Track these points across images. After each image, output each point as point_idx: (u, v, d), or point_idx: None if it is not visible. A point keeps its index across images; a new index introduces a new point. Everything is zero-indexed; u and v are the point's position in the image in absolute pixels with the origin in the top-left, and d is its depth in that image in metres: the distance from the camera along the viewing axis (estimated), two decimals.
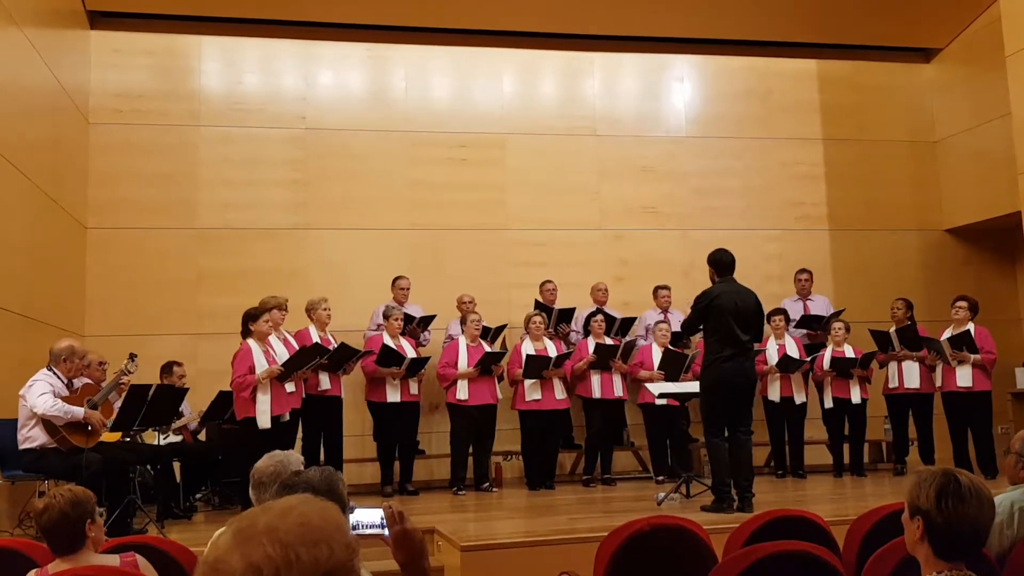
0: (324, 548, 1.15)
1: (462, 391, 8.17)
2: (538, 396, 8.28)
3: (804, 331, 9.39)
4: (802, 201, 10.72)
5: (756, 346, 8.91)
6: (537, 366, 8.21)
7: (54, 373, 6.19)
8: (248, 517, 1.19)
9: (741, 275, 9.43)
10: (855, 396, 8.74)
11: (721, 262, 6.71)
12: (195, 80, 9.62)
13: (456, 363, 8.24)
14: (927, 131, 11.13)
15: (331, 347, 7.78)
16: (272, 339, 7.33)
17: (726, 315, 6.43)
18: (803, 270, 9.74)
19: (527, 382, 8.26)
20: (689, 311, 6.94)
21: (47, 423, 5.97)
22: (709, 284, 6.82)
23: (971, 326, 8.40)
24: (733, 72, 10.84)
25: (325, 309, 8.06)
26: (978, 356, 8.26)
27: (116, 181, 9.22)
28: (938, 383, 8.53)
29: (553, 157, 10.21)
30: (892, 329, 8.88)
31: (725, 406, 6.50)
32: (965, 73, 10.84)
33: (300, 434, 7.70)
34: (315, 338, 7.76)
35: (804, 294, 9.68)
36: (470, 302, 8.95)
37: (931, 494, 2.24)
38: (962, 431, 8.45)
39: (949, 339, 8.39)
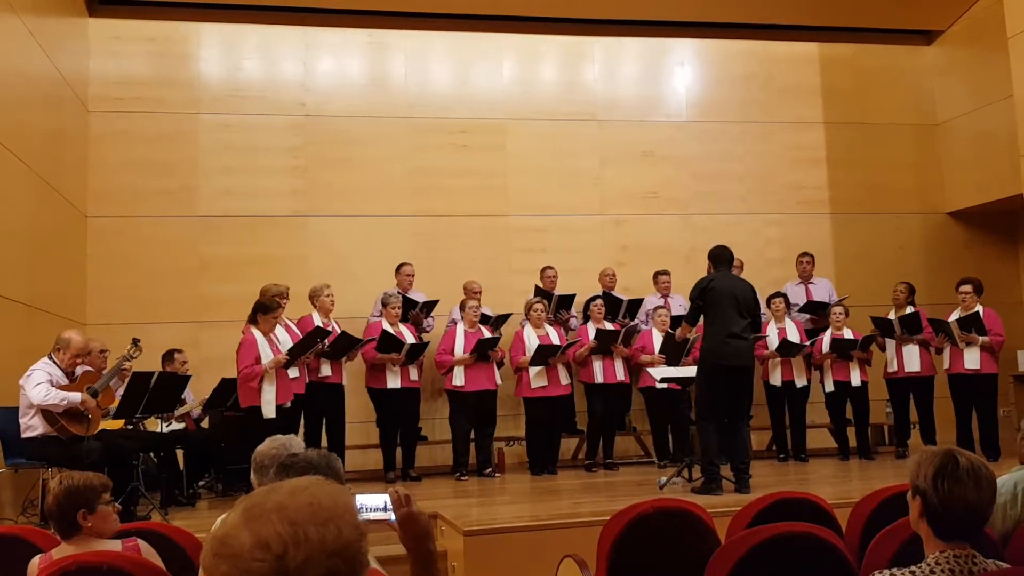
0: (333, 528, 1.15)
1: (458, 377, 8.16)
2: (544, 383, 8.28)
3: (808, 316, 9.40)
4: (803, 185, 10.70)
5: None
6: (545, 354, 8.21)
7: (54, 362, 6.19)
8: (257, 496, 1.19)
9: (743, 259, 9.52)
10: (855, 379, 8.74)
11: (720, 257, 6.98)
12: (194, 67, 9.59)
13: (452, 349, 8.24)
14: (929, 114, 11.10)
15: (333, 331, 7.79)
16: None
17: (723, 299, 6.64)
18: (804, 253, 9.74)
19: (532, 370, 8.25)
20: (688, 303, 7.17)
21: (46, 412, 5.98)
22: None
23: (980, 308, 8.41)
24: (734, 56, 10.80)
25: (328, 295, 8.07)
26: (987, 338, 8.26)
27: (116, 169, 9.20)
28: (946, 365, 8.54)
29: (554, 142, 10.19)
30: (895, 316, 8.86)
31: (723, 390, 6.66)
32: (967, 55, 10.80)
33: (303, 420, 7.73)
34: (318, 324, 7.76)
35: (806, 278, 9.68)
36: (477, 292, 8.90)
37: (929, 474, 2.24)
38: (967, 413, 8.46)
39: (958, 320, 8.38)
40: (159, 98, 9.41)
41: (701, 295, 6.74)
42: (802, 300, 9.52)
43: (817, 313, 9.35)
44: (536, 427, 8.40)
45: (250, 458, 3.09)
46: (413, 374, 8.18)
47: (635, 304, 9.17)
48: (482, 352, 8.20)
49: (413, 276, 8.94)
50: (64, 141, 8.59)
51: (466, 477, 8.11)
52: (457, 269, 9.33)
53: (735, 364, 6.59)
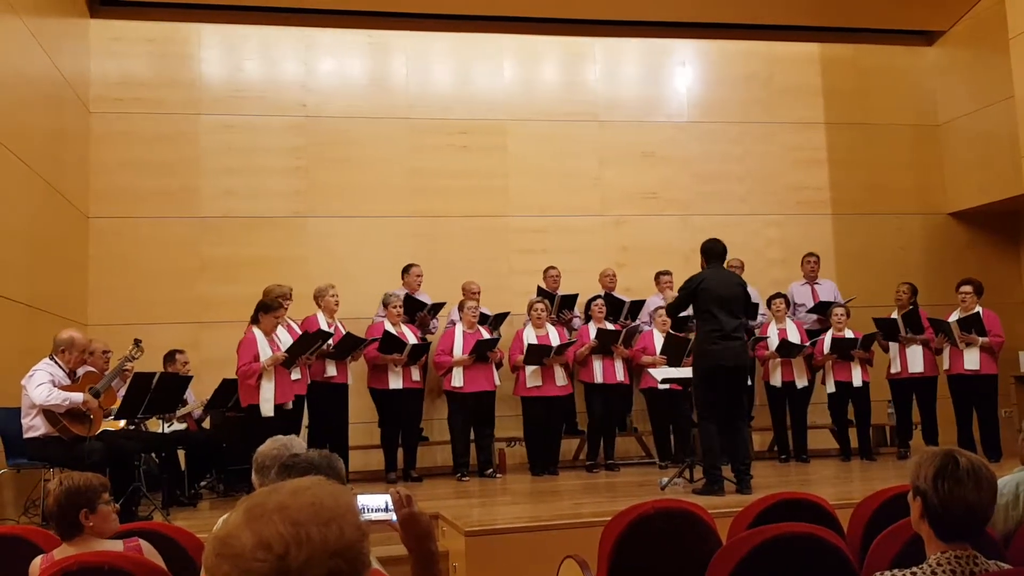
0: (335, 528, 1.15)
1: (457, 378, 8.16)
2: (539, 383, 8.28)
3: (815, 316, 9.38)
4: (804, 186, 10.69)
5: (756, 332, 9.01)
6: (538, 354, 8.21)
7: (56, 363, 6.20)
8: (259, 496, 1.19)
9: (743, 260, 9.53)
10: (856, 379, 8.72)
11: (712, 251, 6.88)
12: (195, 68, 9.59)
13: (451, 350, 8.23)
14: (930, 114, 11.08)
15: (336, 332, 7.79)
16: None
17: (713, 299, 6.60)
18: (811, 253, 9.72)
19: (528, 369, 8.26)
20: (677, 294, 7.09)
21: (48, 412, 5.98)
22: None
23: (980, 309, 8.40)
24: (735, 56, 10.80)
25: (333, 296, 8.08)
26: (986, 339, 8.26)
27: (117, 170, 9.21)
28: (945, 366, 8.54)
29: (554, 143, 10.19)
30: (898, 314, 8.86)
31: (719, 390, 6.62)
32: (968, 56, 10.79)
33: (306, 421, 7.73)
34: (323, 325, 7.77)
35: (812, 278, 9.66)
36: (476, 293, 8.90)
37: (929, 474, 2.24)
38: (967, 414, 8.46)
39: (958, 321, 8.38)
40: (160, 99, 9.42)
41: (691, 295, 6.70)
42: (809, 300, 9.52)
43: (824, 313, 9.35)
44: (534, 427, 8.41)
45: (251, 458, 3.09)
46: (415, 375, 8.19)
47: (637, 305, 9.17)
48: (481, 353, 8.20)
49: (422, 277, 8.94)
50: (65, 142, 8.60)
51: (467, 478, 8.10)
52: (456, 270, 9.33)
53: (728, 364, 6.56)
